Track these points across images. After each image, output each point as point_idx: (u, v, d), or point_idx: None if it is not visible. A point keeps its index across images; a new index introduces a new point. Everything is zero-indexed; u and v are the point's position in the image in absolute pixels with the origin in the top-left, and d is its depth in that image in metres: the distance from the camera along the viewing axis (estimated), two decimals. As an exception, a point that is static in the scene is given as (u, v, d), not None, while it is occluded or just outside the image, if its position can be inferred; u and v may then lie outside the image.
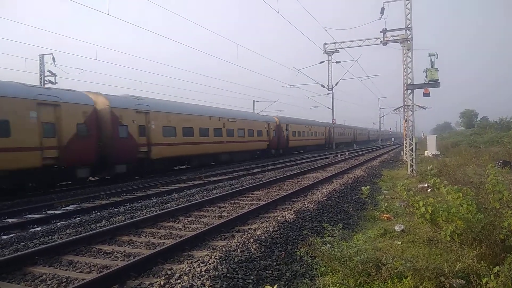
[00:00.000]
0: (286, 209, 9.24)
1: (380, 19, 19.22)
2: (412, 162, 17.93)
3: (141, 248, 6.74)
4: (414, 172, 17.46)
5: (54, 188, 15.81)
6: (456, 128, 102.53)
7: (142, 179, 19.23)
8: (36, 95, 14.52)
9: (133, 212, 10.17)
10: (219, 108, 30.47)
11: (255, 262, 5.60)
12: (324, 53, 23.13)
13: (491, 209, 5.26)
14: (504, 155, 19.06)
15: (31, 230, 8.73)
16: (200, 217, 9.34)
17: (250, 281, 4.97)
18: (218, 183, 16.16)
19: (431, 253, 5.82)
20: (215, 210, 10.02)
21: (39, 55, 29.81)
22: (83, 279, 5.05)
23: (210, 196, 12.08)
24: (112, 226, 8.13)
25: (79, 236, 7.26)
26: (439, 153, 26.77)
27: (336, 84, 34.99)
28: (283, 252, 6.23)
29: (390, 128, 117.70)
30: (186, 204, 10.41)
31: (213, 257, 5.43)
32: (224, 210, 9.92)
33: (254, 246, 6.10)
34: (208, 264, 5.17)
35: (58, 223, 9.28)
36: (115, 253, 6.46)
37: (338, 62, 29.80)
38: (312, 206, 9.40)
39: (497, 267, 3.96)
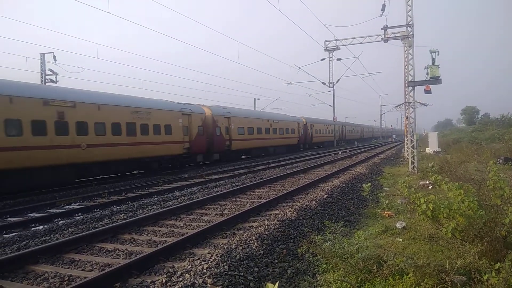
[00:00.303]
0: (287, 207, 9.25)
1: (381, 16, 19.21)
2: (413, 159, 17.92)
3: (142, 246, 6.75)
4: (415, 169, 17.45)
5: (184, 167, 23.73)
6: (457, 125, 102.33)
7: (146, 177, 19.32)
8: (181, 108, 23.13)
9: (134, 210, 10.19)
10: (267, 112, 39.89)
11: (257, 259, 5.60)
12: (325, 51, 23.10)
13: (493, 206, 5.26)
14: (506, 151, 19.00)
15: (33, 228, 8.75)
16: (201, 215, 9.35)
17: (252, 278, 4.98)
18: (219, 181, 16.18)
19: (433, 250, 5.82)
20: (217, 208, 10.03)
21: (40, 53, 29.81)
22: (85, 277, 5.07)
23: (211, 194, 12.10)
24: (113, 224, 8.15)
25: (81, 234, 7.28)
26: (440, 150, 26.72)
27: (337, 82, 34.97)
28: (285, 250, 6.24)
29: (392, 125, 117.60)
30: (188, 202, 10.43)
31: (214, 254, 5.44)
32: (226, 208, 9.93)
33: (255, 243, 6.11)
34: (209, 262, 5.18)
35: (60, 222, 9.30)
36: (117, 251, 6.48)
37: (339, 59, 29.71)
38: (313, 203, 9.40)
39: (499, 264, 3.95)
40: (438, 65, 17.76)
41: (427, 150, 27.49)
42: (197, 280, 4.57)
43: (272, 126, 35.75)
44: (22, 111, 13.71)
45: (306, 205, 9.18)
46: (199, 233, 7.02)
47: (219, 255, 5.40)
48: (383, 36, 19.07)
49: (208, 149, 25.73)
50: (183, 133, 22.82)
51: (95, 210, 10.91)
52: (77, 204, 12.33)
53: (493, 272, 3.88)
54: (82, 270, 5.64)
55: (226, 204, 10.57)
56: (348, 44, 21.61)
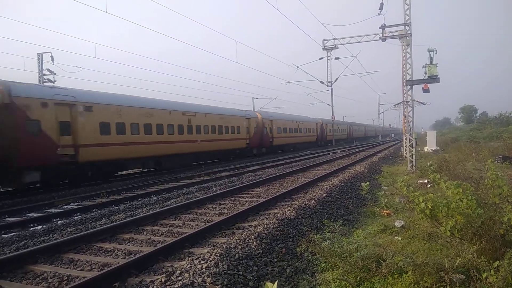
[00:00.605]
0: (286, 206, 9.25)
1: (379, 15, 19.20)
2: (412, 158, 17.95)
3: (141, 246, 6.75)
4: (413, 168, 17.48)
5: (245, 158, 30.76)
6: (456, 123, 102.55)
7: (146, 176, 19.31)
8: (245, 114, 31.32)
9: (133, 210, 10.17)
10: (295, 115, 45.30)
11: (256, 258, 5.61)
12: (323, 50, 23.12)
13: (491, 204, 5.27)
14: (504, 150, 19.06)
15: (31, 228, 8.73)
16: (200, 214, 9.35)
17: (251, 277, 4.98)
18: (218, 181, 16.17)
19: (431, 248, 5.83)
20: (215, 208, 10.03)
21: (37, 53, 29.74)
22: (84, 277, 5.06)
23: (210, 193, 12.09)
24: (112, 224, 8.14)
25: (80, 234, 7.26)
26: (438, 148, 26.78)
27: (335, 81, 35.01)
28: (284, 249, 6.25)
29: (390, 124, 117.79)
30: (186, 202, 10.42)
31: (213, 254, 5.44)
32: (224, 207, 9.93)
33: (254, 243, 6.11)
34: (208, 261, 5.18)
35: (59, 222, 9.28)
36: (116, 251, 6.47)
37: (337, 58, 29.79)
38: (312, 202, 9.41)
39: (497, 262, 3.97)
40: (436, 63, 17.80)
41: (426, 148, 27.55)
42: (196, 280, 4.57)
43: (299, 126, 43.30)
44: (174, 119, 22.17)
45: (305, 204, 9.19)
46: (198, 233, 7.01)
47: (218, 254, 5.40)
48: (381, 35, 19.08)
49: (260, 144, 34.19)
50: (246, 132, 31.20)
51: (94, 210, 10.90)
52: (75, 204, 12.30)
53: (491, 270, 3.89)
54: (81, 270, 5.63)
55: (225, 203, 10.57)
56: (346, 43, 21.63)
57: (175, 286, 4.42)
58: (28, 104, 14.05)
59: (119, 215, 9.38)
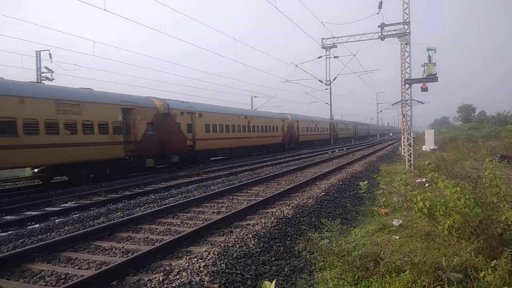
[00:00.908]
0: (285, 205, 9.25)
1: (378, 13, 19.21)
2: (410, 157, 17.97)
3: (139, 244, 6.74)
4: (412, 167, 17.51)
5: (282, 152, 37.50)
6: (454, 122, 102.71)
7: (144, 175, 19.30)
8: (281, 117, 39.42)
9: (131, 209, 10.16)
10: (313, 116, 52.66)
11: (254, 257, 5.61)
12: (322, 48, 23.11)
13: (489, 203, 5.27)
14: (502, 149, 19.12)
15: (29, 227, 8.71)
16: (198, 213, 9.34)
17: (249, 276, 4.98)
18: (217, 179, 16.17)
19: (429, 247, 5.83)
20: (214, 206, 10.02)
21: (35, 51, 29.63)
22: (81, 276, 5.05)
23: (208, 192, 12.08)
24: (110, 222, 8.13)
25: (78, 232, 7.24)
26: (436, 147, 26.82)
27: (334, 79, 34.99)
28: (282, 248, 6.25)
29: (388, 123, 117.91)
30: (185, 200, 10.42)
31: (211, 252, 5.44)
32: (223, 206, 9.93)
33: (252, 241, 6.11)
34: (206, 260, 5.18)
35: (56, 220, 9.26)
36: (114, 249, 6.46)
37: (336, 57, 29.80)
38: (310, 201, 9.41)
39: (495, 261, 3.97)
40: (435, 62, 17.81)
41: (424, 148, 27.58)
42: (194, 278, 4.57)
43: (316, 126, 50.89)
44: (240, 121, 30.04)
45: (303, 203, 9.19)
46: (196, 231, 7.01)
47: (216, 253, 5.40)
48: (380, 33, 19.09)
49: (290, 140, 41.84)
50: (281, 131, 39.24)
51: (92, 208, 10.88)
52: (73, 202, 12.28)
53: (489, 269, 3.90)
54: (79, 268, 5.62)
55: (223, 202, 10.56)
56: (345, 42, 21.63)
57: (173, 285, 4.42)
58: (175, 113, 22.17)
59: (117, 214, 9.37)
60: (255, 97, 54.09)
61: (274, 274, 5.26)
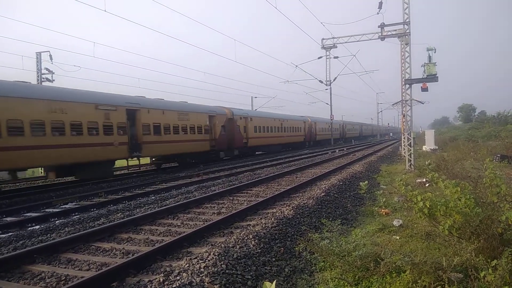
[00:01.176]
0: (285, 205, 9.24)
1: (378, 13, 19.21)
2: (410, 157, 17.97)
3: (140, 245, 6.73)
4: (412, 167, 17.50)
5: (302, 149, 44.94)
6: (454, 122, 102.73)
7: (144, 176, 19.29)
8: (303, 119, 46.98)
9: (131, 210, 10.16)
10: (326, 118, 55.34)
11: (254, 258, 5.60)
12: (322, 49, 23.11)
13: (489, 203, 5.27)
14: (502, 149, 19.10)
15: (29, 228, 8.71)
16: (198, 214, 9.34)
17: (249, 277, 4.98)
18: (217, 180, 16.16)
19: (429, 247, 5.83)
20: (214, 207, 10.02)
21: (36, 52, 29.63)
22: (82, 277, 5.05)
23: (208, 193, 12.07)
24: (110, 223, 8.12)
25: (78, 234, 7.24)
26: (437, 147, 26.80)
27: (334, 80, 35.00)
28: (282, 248, 6.24)
29: (388, 123, 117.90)
30: (185, 201, 10.41)
31: (212, 253, 5.43)
32: (223, 207, 9.92)
33: (253, 242, 6.10)
34: (207, 260, 5.17)
35: (57, 221, 9.27)
36: (114, 250, 6.45)
37: (336, 57, 29.81)
38: (310, 202, 9.41)
39: (495, 261, 3.97)
40: (435, 62, 17.81)
41: (424, 148, 27.56)
42: (194, 279, 4.57)
43: (329, 127, 55.21)
44: (276, 123, 37.85)
45: (304, 203, 9.19)
46: (197, 232, 7.00)
47: (216, 253, 5.40)
48: (380, 34, 19.09)
49: (310, 139, 48.96)
50: (303, 131, 46.16)
51: (92, 210, 10.88)
52: (73, 203, 12.28)
53: (489, 269, 3.90)
54: (79, 269, 5.62)
55: (224, 202, 10.56)
56: (345, 42, 21.64)
57: (173, 286, 4.41)
58: (236, 118, 29.64)
59: (117, 215, 9.36)
60: (255, 97, 54.20)
61: (275, 274, 5.25)
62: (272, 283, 2.88)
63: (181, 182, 16.02)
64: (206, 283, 4.51)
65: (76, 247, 6.68)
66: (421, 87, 18.10)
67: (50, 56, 28.97)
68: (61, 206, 11.81)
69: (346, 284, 4.71)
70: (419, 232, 6.73)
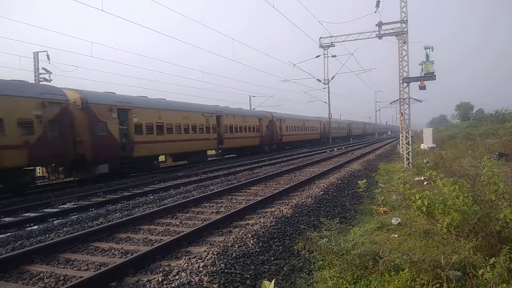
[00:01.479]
0: (283, 204, 9.25)
1: (375, 12, 19.20)
2: (408, 155, 17.99)
3: (138, 245, 6.73)
4: (410, 165, 17.53)
5: (315, 145, 50.37)
6: (452, 121, 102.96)
7: (142, 175, 19.27)
8: (319, 119, 54.18)
9: (130, 209, 10.15)
10: (336, 118, 65.19)
11: (253, 257, 5.61)
12: (320, 47, 23.10)
13: (487, 201, 5.29)
14: (500, 147, 19.15)
15: (27, 228, 8.69)
16: (197, 213, 9.34)
17: (248, 276, 4.98)
18: (215, 179, 16.16)
19: (428, 245, 5.85)
20: (213, 206, 10.02)
21: (33, 52, 29.54)
22: (80, 277, 5.04)
23: (207, 192, 12.08)
24: (109, 223, 8.12)
25: (76, 234, 7.24)
26: (435, 146, 26.84)
27: (332, 78, 35.04)
28: (281, 247, 6.25)
29: (386, 122, 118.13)
30: (183, 201, 10.41)
31: (210, 253, 5.43)
32: (222, 206, 9.92)
33: (251, 241, 6.11)
34: (206, 260, 5.17)
35: (55, 221, 9.25)
36: (113, 250, 6.45)
37: (334, 56, 29.80)
38: (309, 200, 9.42)
39: (493, 259, 3.98)
40: (433, 61, 17.83)
41: (422, 146, 27.60)
42: (193, 279, 4.57)
43: (339, 126, 64.46)
44: (298, 123, 45.51)
45: (302, 202, 9.19)
46: (195, 231, 7.00)
47: (215, 253, 5.40)
48: (377, 32, 19.09)
49: (324, 136, 54.34)
50: (319, 130, 52.40)
51: (91, 209, 10.86)
52: (72, 203, 12.26)
53: (487, 267, 3.91)
54: (78, 269, 5.61)
55: (222, 202, 10.56)
56: (343, 41, 21.64)
57: (172, 285, 4.41)
58: (275, 119, 38.00)
59: (116, 215, 9.36)
60: (253, 96, 54.28)
61: (273, 273, 5.26)
62: (271, 282, 2.89)
63: (179, 182, 16.01)
64: (205, 283, 4.51)
65: (74, 247, 6.67)
66: (419, 85, 18.12)
67: (48, 56, 28.92)
68: (60, 206, 11.79)
69: (344, 282, 4.72)
70: (417, 230, 6.75)
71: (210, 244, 6.38)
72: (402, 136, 18.97)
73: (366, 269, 4.86)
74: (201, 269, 4.85)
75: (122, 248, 6.52)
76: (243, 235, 6.39)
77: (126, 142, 18.60)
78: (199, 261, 5.15)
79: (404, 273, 4.41)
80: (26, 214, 10.69)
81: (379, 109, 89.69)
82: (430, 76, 17.72)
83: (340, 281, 4.77)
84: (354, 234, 5.86)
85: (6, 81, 14.18)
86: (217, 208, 9.64)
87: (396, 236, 6.68)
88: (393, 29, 18.53)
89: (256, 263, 5.44)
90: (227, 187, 12.73)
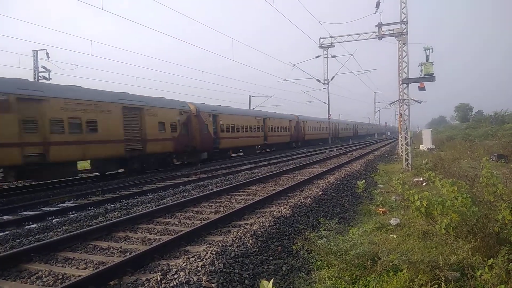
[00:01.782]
0: (282, 204, 9.25)
1: (375, 13, 19.20)
2: (408, 156, 18.00)
3: (137, 244, 6.73)
4: (409, 166, 17.54)
5: (324, 145, 53.67)
6: (451, 122, 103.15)
7: (141, 174, 19.27)
8: (328, 120, 54.62)
9: (129, 208, 10.14)
10: (344, 120, 73.48)
11: (252, 257, 5.61)
12: (319, 48, 23.09)
13: (486, 202, 5.30)
14: (499, 148, 19.15)
15: (26, 227, 8.68)
16: (196, 212, 9.33)
17: (247, 276, 4.98)
18: (214, 179, 16.15)
19: (426, 246, 5.85)
20: (211, 206, 10.01)
21: (32, 50, 29.52)
22: (79, 276, 5.04)
23: (206, 191, 12.07)
24: (108, 222, 8.10)
25: (75, 232, 7.22)
26: (434, 147, 26.87)
27: (331, 79, 35.05)
28: (279, 247, 6.25)
29: (386, 123, 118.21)
30: (182, 200, 10.40)
31: (209, 252, 5.43)
32: (221, 206, 9.92)
33: (250, 241, 6.11)
34: (204, 259, 5.17)
35: (54, 220, 9.23)
36: (111, 249, 6.44)
37: (333, 56, 29.77)
38: (308, 200, 9.42)
39: (492, 260, 3.99)
40: (432, 62, 17.85)
41: (421, 147, 27.63)
42: (192, 278, 4.57)
43: (347, 127, 71.53)
44: (314, 124, 53.99)
45: (301, 202, 9.20)
46: (194, 231, 7.00)
47: (214, 252, 5.40)
48: (377, 33, 19.09)
49: (335, 135, 59.58)
50: (328, 131, 55.25)
51: (89, 208, 10.85)
52: (71, 202, 12.25)
53: (486, 268, 3.92)
54: (76, 268, 5.60)
55: (221, 201, 10.56)
56: (343, 42, 21.63)
57: (171, 285, 4.41)
58: (300, 121, 46.73)
59: (115, 214, 9.35)
60: (253, 96, 54.30)
61: (272, 273, 5.26)
62: (269, 282, 2.89)
63: (178, 181, 16.00)
64: (203, 282, 4.51)
65: (73, 246, 6.66)
66: (419, 86, 18.14)
67: (47, 54, 28.89)
68: (58, 205, 11.78)
69: (343, 282, 4.72)
70: (416, 231, 6.75)
71: (209, 244, 6.38)
72: (401, 137, 18.98)
73: (365, 270, 4.87)
74: (199, 268, 4.85)
75: (121, 247, 6.52)
76: (242, 235, 6.39)
77: (216, 138, 27.10)
78: (197, 260, 5.15)
79: (403, 274, 4.41)
80: (25, 213, 10.68)
81: (379, 110, 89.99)
82: (430, 77, 17.74)
83: (339, 281, 4.77)
84: (352, 234, 5.86)
85: (164, 99, 22.55)
86: (216, 208, 9.64)
87: (394, 236, 6.69)
88: (393, 30, 18.52)
89: (254, 263, 5.45)
90: (226, 186, 12.72)
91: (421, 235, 6.44)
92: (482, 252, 4.56)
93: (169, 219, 8.69)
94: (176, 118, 22.00)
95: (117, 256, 6.06)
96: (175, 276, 4.63)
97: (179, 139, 22.07)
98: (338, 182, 12.84)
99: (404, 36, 17.97)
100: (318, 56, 29.14)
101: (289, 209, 8.34)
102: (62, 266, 5.71)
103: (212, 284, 4.50)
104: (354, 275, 4.84)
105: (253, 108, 47.82)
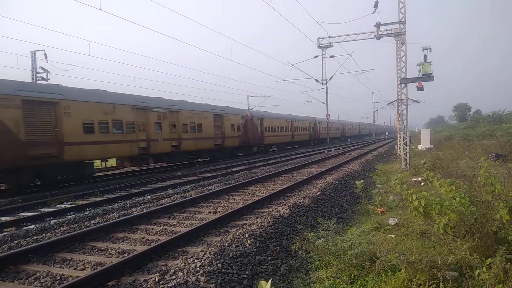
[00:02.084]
0: (281, 204, 9.26)
1: (374, 13, 19.22)
2: (406, 156, 18.03)
3: (135, 245, 6.72)
4: (407, 166, 17.56)
5: (341, 142, 63.75)
6: (449, 121, 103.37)
7: (140, 175, 19.25)
8: (341, 122, 71.23)
9: (127, 209, 10.12)
10: (350, 121, 76.37)
11: (250, 257, 5.61)
12: (318, 48, 23.11)
13: (484, 202, 5.31)
14: (497, 148, 19.19)
15: (24, 228, 8.65)
16: (195, 213, 9.33)
17: (245, 276, 4.98)
18: (213, 179, 16.14)
19: (425, 246, 5.86)
20: (210, 206, 10.01)
21: (31, 51, 29.43)
22: (77, 277, 5.03)
23: (204, 192, 12.06)
24: (106, 223, 8.09)
25: (73, 233, 7.20)
26: (432, 146, 26.92)
27: (330, 79, 35.07)
28: (278, 247, 6.25)
29: (384, 123, 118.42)
30: (181, 200, 10.39)
31: (208, 252, 5.43)
32: (219, 206, 9.91)
33: (249, 241, 6.11)
34: (203, 260, 5.17)
35: (52, 221, 9.20)
36: (110, 250, 6.43)
37: (332, 56, 29.82)
38: (306, 200, 9.42)
39: (490, 259, 3.99)
40: (430, 62, 17.88)
41: (420, 147, 27.68)
42: (190, 278, 4.56)
43: (353, 127, 76.31)
44: (326, 125, 55.39)
45: (300, 202, 9.20)
46: (192, 231, 6.99)
47: (212, 253, 5.39)
48: (375, 33, 19.11)
49: (341, 136, 65.12)
50: (340, 130, 62.23)
51: (87, 209, 10.82)
52: (69, 203, 12.22)
53: (484, 267, 3.92)
54: (74, 269, 5.59)
55: (220, 202, 10.55)
56: (341, 41, 21.65)
57: (169, 285, 4.41)
58: (317, 122, 54.13)
59: (113, 214, 9.33)
60: (252, 96, 54.31)
61: (270, 273, 5.26)
62: (267, 282, 2.89)
63: (177, 181, 15.98)
64: (201, 282, 4.51)
65: (71, 247, 6.65)
66: (417, 86, 18.17)
67: (45, 55, 28.83)
68: (56, 206, 11.75)
69: (341, 282, 4.72)
70: (414, 230, 6.77)
71: (207, 244, 6.37)
72: (400, 137, 19.00)
73: (363, 269, 4.87)
74: (198, 269, 4.85)
75: (119, 247, 6.51)
76: (240, 235, 6.39)
77: (261, 136, 35.16)
78: (196, 261, 5.14)
79: (401, 274, 4.42)
80: (23, 214, 10.65)
81: (377, 110, 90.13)
82: (428, 77, 17.77)
83: (337, 281, 4.77)
84: (351, 234, 5.87)
85: (230, 107, 30.86)
86: (214, 208, 9.63)
87: (393, 236, 6.70)
88: (391, 30, 18.55)
89: (253, 263, 5.45)
90: (225, 187, 12.72)
91: (419, 235, 6.45)
92: (480, 252, 4.57)
93: (167, 219, 8.68)
94: (240, 122, 30.62)
95: (115, 257, 6.05)
96: (174, 277, 4.63)
97: (241, 137, 30.85)
98: (337, 182, 12.85)
99: (402, 36, 18.00)
100: (317, 56, 29.19)
101: (288, 209, 8.34)
102: (60, 267, 5.70)
103: (211, 285, 4.50)
104: (352, 275, 4.84)
105: (251, 109, 47.94)
